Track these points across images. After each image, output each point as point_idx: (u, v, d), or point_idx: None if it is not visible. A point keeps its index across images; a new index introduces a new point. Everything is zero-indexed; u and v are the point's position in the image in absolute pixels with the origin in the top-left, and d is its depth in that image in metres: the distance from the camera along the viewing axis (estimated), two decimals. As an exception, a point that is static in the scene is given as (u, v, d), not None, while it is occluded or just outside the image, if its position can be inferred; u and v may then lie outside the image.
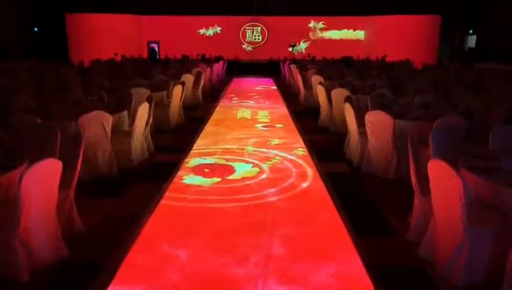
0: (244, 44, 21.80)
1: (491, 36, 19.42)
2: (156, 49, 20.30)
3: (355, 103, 5.62)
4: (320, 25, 21.64)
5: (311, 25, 21.65)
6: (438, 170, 2.78)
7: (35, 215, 2.76)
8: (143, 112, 5.18)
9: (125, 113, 5.33)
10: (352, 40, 21.53)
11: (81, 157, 3.33)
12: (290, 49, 20.88)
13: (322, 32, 21.78)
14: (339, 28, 21.65)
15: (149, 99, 5.57)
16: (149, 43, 20.99)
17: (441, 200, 2.83)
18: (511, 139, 3.57)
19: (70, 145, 3.42)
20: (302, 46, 21.53)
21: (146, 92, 6.47)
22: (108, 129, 4.69)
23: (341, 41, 21.64)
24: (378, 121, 4.77)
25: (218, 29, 21.66)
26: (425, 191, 3.09)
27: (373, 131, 4.86)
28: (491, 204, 2.74)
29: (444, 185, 2.72)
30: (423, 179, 3.08)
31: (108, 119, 4.66)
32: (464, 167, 2.95)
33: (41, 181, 2.73)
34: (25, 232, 2.70)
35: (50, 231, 2.91)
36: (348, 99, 5.62)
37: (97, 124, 4.57)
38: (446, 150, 3.45)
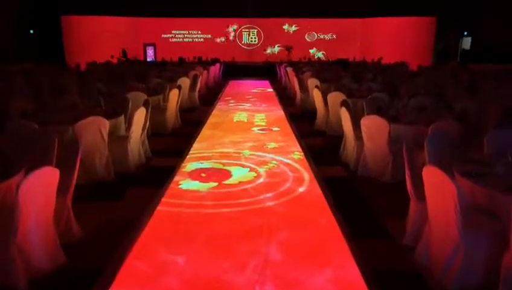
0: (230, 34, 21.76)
1: (485, 38, 19.54)
2: (126, 49, 19.96)
3: (351, 107, 5.65)
4: (294, 27, 21.68)
5: (285, 27, 21.70)
6: (432, 177, 2.81)
7: (33, 223, 2.76)
8: (140, 116, 5.18)
9: (121, 118, 5.34)
10: (348, 42, 21.55)
11: (78, 165, 3.34)
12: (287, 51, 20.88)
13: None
14: (337, 30, 21.70)
15: (146, 104, 5.58)
16: (145, 45, 20.97)
17: (435, 206, 2.86)
18: (505, 144, 3.60)
19: (67, 151, 3.43)
20: (276, 49, 21.51)
21: (142, 96, 6.47)
22: (105, 134, 4.69)
23: (337, 43, 21.68)
24: (373, 126, 4.80)
25: (235, 26, 21.60)
26: (421, 196, 3.12)
27: (369, 135, 4.89)
28: (486, 209, 2.78)
29: (439, 191, 2.75)
30: (418, 184, 3.11)
31: (105, 125, 4.67)
32: (458, 172, 2.99)
33: (39, 189, 2.73)
34: (23, 240, 2.70)
35: (48, 238, 2.92)
36: (344, 104, 5.65)
37: (94, 129, 4.58)
38: (441, 155, 3.48)
